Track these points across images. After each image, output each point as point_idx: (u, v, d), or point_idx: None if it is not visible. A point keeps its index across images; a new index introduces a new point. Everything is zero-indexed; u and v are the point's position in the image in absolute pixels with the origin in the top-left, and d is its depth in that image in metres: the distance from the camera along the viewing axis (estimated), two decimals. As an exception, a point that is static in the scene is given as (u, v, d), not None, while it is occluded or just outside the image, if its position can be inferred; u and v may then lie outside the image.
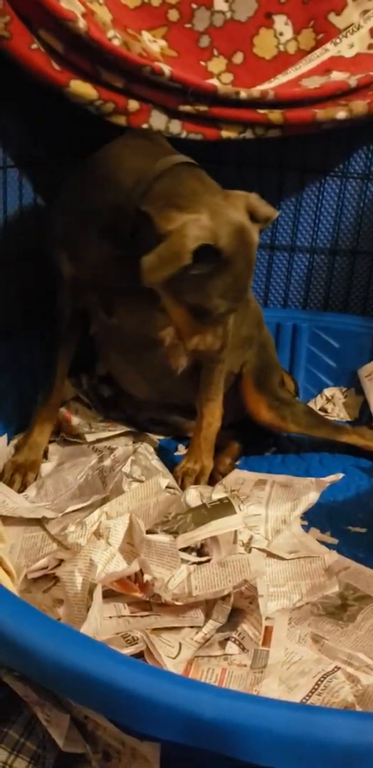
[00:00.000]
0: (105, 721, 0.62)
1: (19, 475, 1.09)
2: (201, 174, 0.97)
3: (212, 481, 1.12)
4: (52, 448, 1.19)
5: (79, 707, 0.64)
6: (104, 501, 0.97)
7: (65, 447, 1.19)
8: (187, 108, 1.19)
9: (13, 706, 0.67)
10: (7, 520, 0.95)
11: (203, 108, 1.20)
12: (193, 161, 0.98)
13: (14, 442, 1.19)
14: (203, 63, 1.30)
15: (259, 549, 0.94)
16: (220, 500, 0.94)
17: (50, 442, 1.19)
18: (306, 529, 1.04)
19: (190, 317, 0.96)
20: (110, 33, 1.11)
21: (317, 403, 1.45)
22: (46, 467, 1.14)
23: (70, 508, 0.97)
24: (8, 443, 1.18)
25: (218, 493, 1.00)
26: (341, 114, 1.25)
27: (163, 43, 1.28)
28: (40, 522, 0.95)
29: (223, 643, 0.79)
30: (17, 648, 0.61)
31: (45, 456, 1.16)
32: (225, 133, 1.24)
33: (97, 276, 1.07)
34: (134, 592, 0.83)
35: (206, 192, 0.93)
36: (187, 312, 0.96)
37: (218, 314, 0.96)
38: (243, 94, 1.20)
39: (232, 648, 0.79)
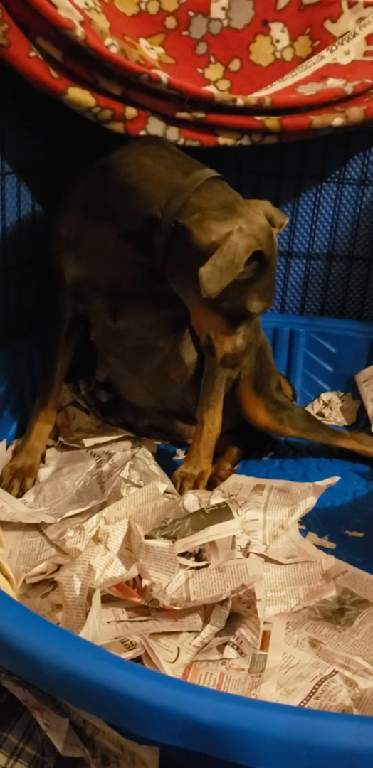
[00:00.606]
0: (104, 725, 0.62)
1: (18, 480, 1.09)
2: (226, 185, 1.01)
3: (212, 486, 1.12)
4: (50, 453, 1.19)
5: (78, 711, 0.64)
6: (103, 506, 0.97)
7: (63, 452, 1.19)
8: (184, 115, 1.20)
9: (13, 711, 0.67)
10: (6, 525, 0.95)
11: (200, 115, 1.20)
12: (218, 173, 1.02)
13: (12, 447, 1.19)
14: (200, 70, 1.30)
15: (257, 554, 0.95)
16: (218, 505, 0.94)
17: (48, 447, 1.19)
18: (304, 533, 1.05)
19: (225, 323, 0.99)
20: (108, 41, 1.12)
21: (314, 408, 1.45)
22: (44, 472, 1.14)
23: (68, 513, 0.97)
24: (7, 448, 1.18)
25: (216, 498, 0.99)
26: (338, 121, 1.26)
27: (160, 50, 1.28)
28: (38, 527, 0.95)
29: (221, 648, 0.79)
30: (17, 652, 0.61)
31: (42, 460, 1.16)
32: (222, 140, 1.24)
33: (109, 279, 1.08)
34: (133, 597, 0.83)
35: (235, 202, 0.98)
36: (223, 318, 0.99)
37: (253, 316, 1.01)
38: (240, 101, 1.21)
39: (230, 652, 0.79)
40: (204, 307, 0.98)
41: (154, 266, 1.02)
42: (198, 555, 0.90)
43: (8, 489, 1.07)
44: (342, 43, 1.32)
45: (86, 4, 1.15)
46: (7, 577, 0.80)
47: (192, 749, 0.55)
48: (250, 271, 0.95)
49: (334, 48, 1.32)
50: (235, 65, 1.32)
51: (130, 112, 1.16)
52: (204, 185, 0.98)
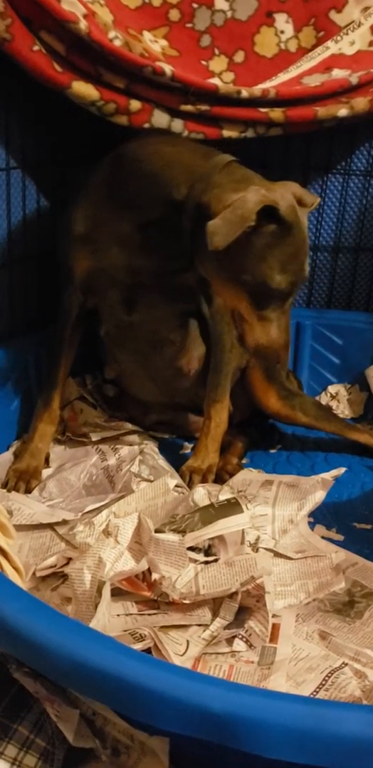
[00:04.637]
0: (114, 715, 0.62)
1: (23, 482, 1.08)
2: (246, 168, 1.00)
3: (220, 482, 1.12)
4: (52, 453, 1.17)
5: (88, 702, 0.64)
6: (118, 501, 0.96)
7: (65, 450, 1.18)
8: (188, 107, 1.19)
9: (23, 703, 0.68)
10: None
11: (204, 107, 1.20)
12: (237, 159, 1.02)
13: (13, 448, 1.18)
14: (204, 62, 1.30)
15: (266, 549, 0.94)
16: (227, 500, 0.94)
17: (54, 440, 1.19)
18: (312, 526, 1.04)
19: (249, 302, 0.95)
20: (111, 34, 1.11)
21: (321, 400, 1.44)
22: (45, 471, 1.12)
23: (88, 508, 0.96)
24: (10, 448, 1.17)
25: (225, 494, 0.99)
26: (343, 111, 1.25)
27: (164, 42, 1.28)
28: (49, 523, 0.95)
29: (230, 641, 0.79)
30: (28, 642, 0.61)
31: (46, 462, 1.14)
32: (226, 133, 1.24)
33: (129, 269, 1.07)
34: (142, 590, 0.83)
35: (254, 177, 0.97)
36: (248, 297, 0.94)
37: (279, 295, 0.95)
38: (244, 93, 1.20)
39: (239, 645, 0.79)
40: (228, 285, 0.96)
41: (179, 253, 1.01)
42: (207, 550, 0.89)
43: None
44: (347, 33, 1.31)
45: (90, -3, 1.14)
46: (16, 569, 0.80)
47: (203, 739, 0.55)
48: (268, 235, 0.91)
49: (339, 38, 1.32)
50: (239, 57, 1.31)
51: (135, 105, 1.16)
52: (226, 167, 0.97)
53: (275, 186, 0.95)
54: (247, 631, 0.80)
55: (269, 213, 0.90)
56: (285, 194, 0.95)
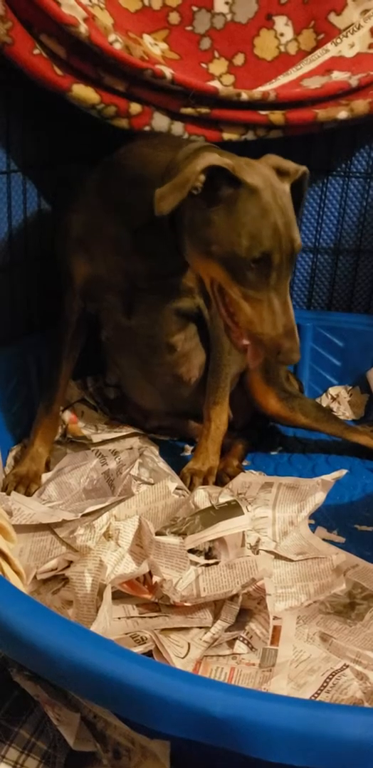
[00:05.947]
0: (115, 719, 0.62)
1: (23, 486, 1.08)
2: (222, 151, 0.97)
3: (220, 483, 1.12)
4: (51, 457, 1.17)
5: (89, 706, 0.64)
6: (120, 503, 0.96)
7: (66, 453, 1.18)
8: (188, 110, 1.20)
9: (24, 706, 0.68)
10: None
11: (204, 110, 1.20)
12: (213, 145, 1.00)
13: (13, 453, 1.18)
14: (204, 65, 1.30)
15: (266, 551, 0.94)
16: (228, 502, 0.94)
17: (55, 442, 1.19)
18: (313, 528, 1.04)
19: (228, 274, 0.90)
20: (112, 37, 1.12)
21: (322, 402, 1.45)
22: (45, 475, 1.12)
23: (89, 509, 0.95)
24: (10, 452, 1.17)
25: (225, 497, 0.99)
26: (343, 114, 1.26)
27: (164, 45, 1.28)
28: (49, 526, 0.95)
29: (231, 643, 0.79)
30: (29, 645, 0.61)
31: (47, 467, 1.14)
32: (227, 135, 1.24)
33: (126, 273, 1.07)
34: (143, 593, 0.83)
35: (225, 154, 0.94)
36: (223, 268, 0.90)
37: (255, 265, 0.88)
38: (244, 96, 1.20)
39: (240, 647, 0.79)
40: (202, 257, 0.93)
41: (172, 253, 0.99)
42: (208, 552, 0.89)
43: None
44: (347, 36, 1.32)
45: (90, 0, 1.15)
46: (17, 572, 0.80)
47: (203, 742, 0.55)
48: (226, 199, 0.88)
49: (338, 41, 1.32)
50: (239, 60, 1.31)
51: (135, 107, 1.17)
52: (194, 153, 0.94)
53: (243, 158, 0.93)
54: (248, 633, 0.80)
55: (228, 179, 0.88)
56: (251, 161, 0.92)
